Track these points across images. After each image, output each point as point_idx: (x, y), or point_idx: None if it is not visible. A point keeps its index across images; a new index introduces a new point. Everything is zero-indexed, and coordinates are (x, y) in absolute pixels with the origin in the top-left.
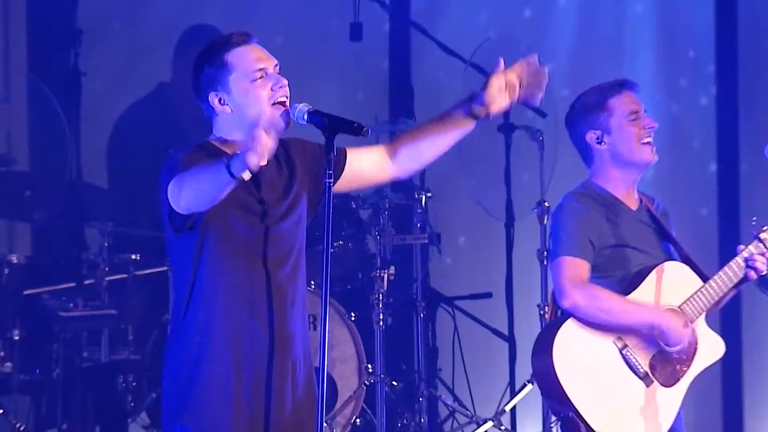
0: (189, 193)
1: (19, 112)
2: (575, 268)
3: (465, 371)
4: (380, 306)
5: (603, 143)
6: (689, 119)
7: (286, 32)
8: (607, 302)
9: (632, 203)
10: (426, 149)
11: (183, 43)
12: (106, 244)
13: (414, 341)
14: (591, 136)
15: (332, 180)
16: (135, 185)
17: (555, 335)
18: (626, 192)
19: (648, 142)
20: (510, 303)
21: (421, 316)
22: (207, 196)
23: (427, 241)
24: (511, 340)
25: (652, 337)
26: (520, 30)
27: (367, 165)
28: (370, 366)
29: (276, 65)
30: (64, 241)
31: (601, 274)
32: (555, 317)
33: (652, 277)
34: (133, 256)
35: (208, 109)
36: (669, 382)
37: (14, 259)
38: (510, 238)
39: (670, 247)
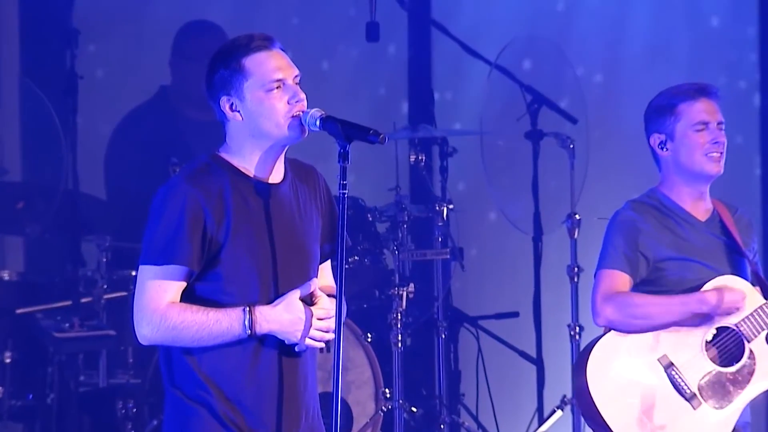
0: (168, 338)
1: (10, 118)
2: (611, 281)
3: (490, 396)
4: (398, 326)
5: (665, 149)
6: (731, 113)
7: (296, 32)
8: (642, 307)
9: (701, 214)
10: None
11: (185, 43)
12: (105, 260)
13: (435, 364)
14: (655, 140)
15: (346, 190)
16: (135, 196)
17: (590, 352)
18: (693, 202)
19: (713, 156)
20: (538, 323)
21: (443, 336)
22: (195, 343)
23: (448, 256)
24: (539, 362)
25: (703, 356)
26: (549, 24)
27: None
28: (387, 390)
29: (296, 76)
30: (59, 256)
31: (657, 289)
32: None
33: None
34: (134, 273)
35: (220, 113)
36: (720, 404)
37: (5, 275)
38: (538, 253)
39: (740, 262)
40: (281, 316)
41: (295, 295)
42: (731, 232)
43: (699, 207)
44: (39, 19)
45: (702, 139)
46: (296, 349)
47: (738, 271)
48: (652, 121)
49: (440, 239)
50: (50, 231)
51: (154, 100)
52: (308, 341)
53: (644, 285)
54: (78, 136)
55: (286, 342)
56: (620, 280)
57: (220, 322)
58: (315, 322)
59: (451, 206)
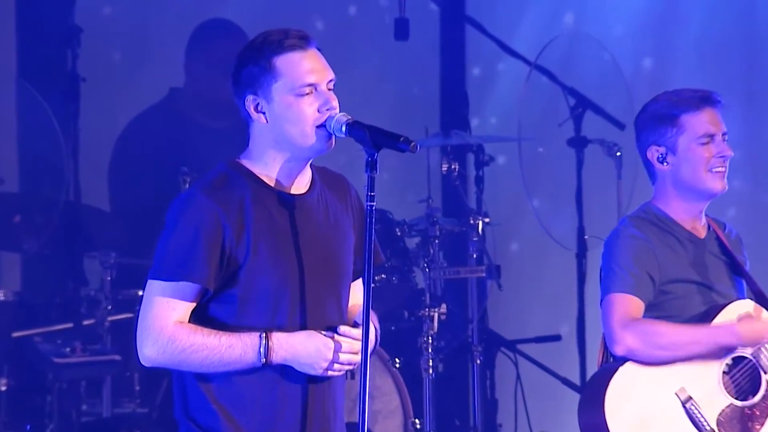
0: (174, 361)
1: (7, 123)
2: (626, 306)
3: (529, 427)
4: (430, 350)
5: (665, 163)
6: None
7: (318, 29)
8: (666, 336)
9: (699, 231)
10: None
11: (200, 43)
12: (109, 278)
13: (469, 392)
14: (653, 152)
15: (374, 203)
16: (142, 209)
17: (607, 386)
18: (692, 219)
19: (719, 171)
20: (582, 347)
21: (478, 362)
22: (203, 369)
23: (484, 274)
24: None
25: (720, 388)
26: (594, 21)
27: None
28: (417, 421)
29: (331, 80)
30: (60, 274)
31: (662, 314)
32: (607, 362)
33: (721, 319)
34: (140, 292)
35: (244, 112)
36: None
37: (1, 295)
38: (582, 270)
39: (741, 283)
40: (301, 347)
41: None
42: (729, 250)
43: (697, 224)
44: (37, 15)
45: (707, 152)
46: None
47: (741, 292)
48: (649, 131)
49: (475, 256)
50: (50, 247)
51: (163, 105)
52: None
53: (649, 310)
54: (80, 143)
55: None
56: (634, 305)
57: (232, 348)
58: (340, 355)
59: (486, 220)
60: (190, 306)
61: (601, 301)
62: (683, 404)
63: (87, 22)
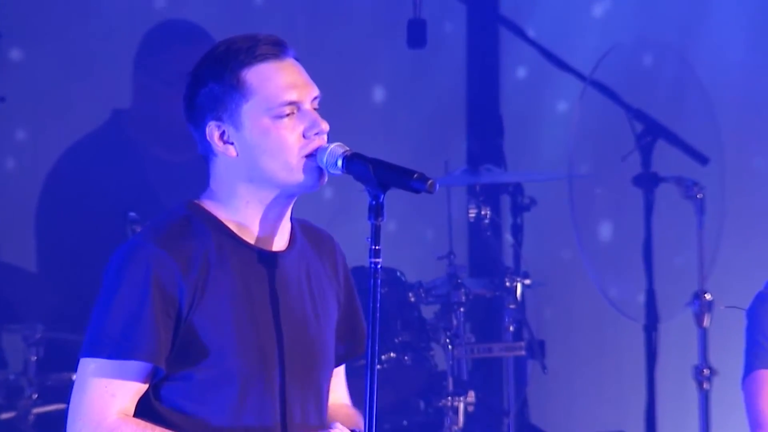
0: None
1: None
2: None
3: None
4: None
5: None
6: None
7: (308, 34)
8: None
9: None
10: None
11: (153, 51)
12: (34, 358)
13: None
14: None
15: (380, 259)
16: (78, 267)
17: None
18: None
19: None
20: None
21: None
22: None
23: (524, 352)
24: None
25: None
26: (668, 25)
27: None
28: None
29: (315, 98)
30: None
31: None
32: None
33: None
34: (74, 376)
35: (204, 144)
36: None
37: None
38: (652, 348)
39: None
40: None
41: None
42: None
43: None
44: None
45: None
46: None
47: None
48: None
49: (512, 328)
50: None
51: (105, 131)
52: None
53: None
54: None
55: None
56: None
57: None
58: None
59: (527, 281)
60: (138, 390)
61: (743, 378)
62: None
63: (4, 23)
